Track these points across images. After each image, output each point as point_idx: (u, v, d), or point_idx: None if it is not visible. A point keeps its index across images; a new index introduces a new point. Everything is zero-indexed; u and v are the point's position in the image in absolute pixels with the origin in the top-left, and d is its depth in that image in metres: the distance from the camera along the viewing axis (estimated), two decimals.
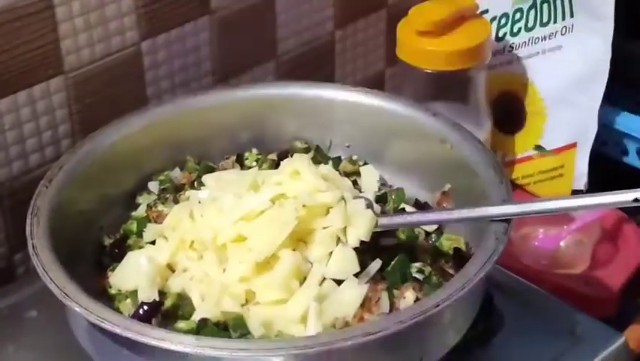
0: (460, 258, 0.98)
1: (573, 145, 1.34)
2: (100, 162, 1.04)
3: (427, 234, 1.03)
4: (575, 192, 1.36)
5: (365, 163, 1.12)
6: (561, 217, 1.31)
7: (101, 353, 0.91)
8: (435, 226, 1.03)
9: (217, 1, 1.20)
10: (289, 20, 1.28)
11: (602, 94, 1.29)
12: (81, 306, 0.86)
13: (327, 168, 1.04)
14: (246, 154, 1.13)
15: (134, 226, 1.04)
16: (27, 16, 1.05)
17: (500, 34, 1.35)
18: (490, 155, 1.01)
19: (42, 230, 0.93)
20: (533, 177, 1.38)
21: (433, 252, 1.01)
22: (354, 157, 1.12)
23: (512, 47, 1.35)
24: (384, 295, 0.93)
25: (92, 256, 1.02)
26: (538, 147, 1.37)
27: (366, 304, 0.93)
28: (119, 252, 1.01)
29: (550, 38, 1.32)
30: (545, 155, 1.36)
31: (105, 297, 0.98)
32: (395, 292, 0.94)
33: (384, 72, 1.44)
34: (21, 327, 1.03)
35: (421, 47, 1.25)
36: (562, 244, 1.30)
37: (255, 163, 1.11)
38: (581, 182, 1.35)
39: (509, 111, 1.37)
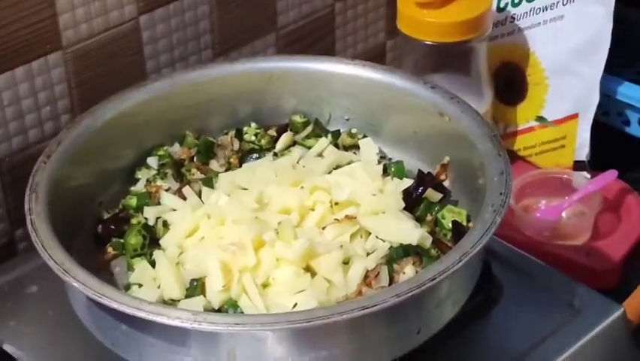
0: (458, 231, 0.98)
1: (575, 116, 1.34)
2: (98, 137, 1.04)
3: (431, 204, 1.03)
4: (577, 163, 1.35)
5: (364, 136, 1.12)
6: (563, 188, 1.31)
7: (100, 328, 0.91)
8: (439, 196, 1.03)
9: None
10: None
11: (603, 64, 1.29)
12: (79, 281, 0.86)
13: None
14: (245, 128, 1.13)
15: (133, 201, 1.04)
16: None
17: (501, 5, 1.34)
18: (488, 127, 1.01)
19: (41, 206, 0.94)
20: (535, 149, 1.38)
21: (434, 223, 1.01)
22: (353, 130, 1.12)
23: (514, 18, 1.34)
24: (384, 270, 0.93)
25: (91, 231, 1.03)
26: (540, 118, 1.36)
27: (365, 278, 0.93)
28: (115, 228, 1.01)
29: (551, 8, 1.32)
30: (547, 126, 1.36)
31: (104, 273, 0.99)
32: (395, 266, 0.94)
33: (384, 44, 1.43)
34: (22, 302, 1.04)
35: (421, 18, 1.24)
36: (563, 215, 1.30)
37: (254, 137, 1.11)
38: (583, 152, 1.35)
39: (510, 82, 1.37)
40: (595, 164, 1.35)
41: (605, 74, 1.30)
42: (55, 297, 0.99)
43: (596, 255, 1.25)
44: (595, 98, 1.31)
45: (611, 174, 1.29)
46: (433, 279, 0.84)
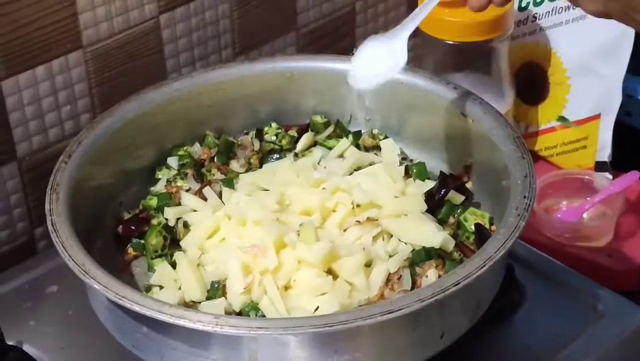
0: (481, 234, 0.97)
1: (597, 116, 1.32)
2: (119, 137, 1.03)
3: (454, 206, 1.02)
4: (599, 164, 1.34)
5: (385, 137, 1.11)
6: (585, 189, 1.30)
7: (121, 330, 0.91)
8: (462, 198, 1.02)
9: None
10: None
11: (626, 64, 1.27)
12: (100, 283, 0.86)
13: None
14: (266, 128, 1.12)
15: (153, 202, 1.04)
16: None
17: (523, 4, 1.33)
18: (511, 129, 1.00)
19: (61, 206, 0.93)
20: (557, 149, 1.36)
21: (456, 226, 1.00)
22: (375, 131, 1.11)
23: (535, 17, 1.33)
24: (407, 273, 0.92)
25: (112, 231, 1.02)
26: (562, 118, 1.35)
27: (388, 281, 0.92)
28: (135, 228, 1.01)
29: (574, 8, 1.30)
30: (568, 126, 1.35)
31: (125, 273, 0.98)
32: (417, 269, 0.93)
33: None
34: (42, 302, 1.03)
35: (443, 17, 1.23)
36: (585, 216, 1.28)
37: (274, 138, 1.11)
38: (605, 153, 1.33)
39: (532, 82, 1.35)
40: (617, 165, 1.34)
41: (627, 74, 1.29)
42: (75, 297, 0.98)
43: (619, 256, 1.23)
44: (617, 99, 1.30)
45: (633, 176, 1.28)
46: (457, 284, 0.84)
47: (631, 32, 1.26)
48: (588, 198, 1.29)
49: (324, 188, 1.01)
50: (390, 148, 1.09)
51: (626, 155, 1.34)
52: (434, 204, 1.01)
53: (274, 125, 1.12)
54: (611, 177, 1.32)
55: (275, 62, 1.12)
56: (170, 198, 1.04)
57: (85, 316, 0.96)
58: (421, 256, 0.94)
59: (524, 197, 0.91)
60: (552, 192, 1.31)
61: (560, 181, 1.31)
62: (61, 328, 1.01)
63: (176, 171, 1.07)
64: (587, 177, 1.31)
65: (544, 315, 1.00)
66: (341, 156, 1.09)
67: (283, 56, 1.22)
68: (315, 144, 1.11)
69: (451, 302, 0.87)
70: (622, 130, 1.33)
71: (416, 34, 1.26)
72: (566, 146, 1.36)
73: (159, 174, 1.07)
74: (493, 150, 0.99)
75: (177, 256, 0.97)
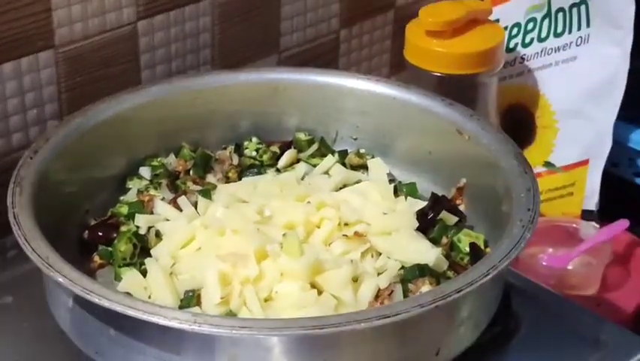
0: (476, 255, 0.90)
1: (585, 162, 1.28)
2: (89, 138, 0.96)
3: (447, 227, 0.95)
4: (586, 212, 1.29)
5: (373, 157, 1.05)
6: (570, 238, 1.25)
7: (84, 335, 0.82)
8: (455, 219, 0.96)
9: None
10: (294, 13, 1.21)
11: (617, 107, 1.23)
12: (66, 277, 0.77)
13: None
14: (246, 143, 1.05)
15: (123, 209, 0.96)
16: None
17: (511, 45, 1.29)
18: (511, 144, 0.94)
19: (25, 200, 0.86)
20: (542, 196, 1.30)
21: (449, 247, 0.93)
22: (362, 150, 1.05)
23: (524, 58, 1.29)
24: (398, 288, 0.85)
25: (76, 239, 0.94)
26: (548, 164, 1.30)
27: (377, 297, 0.85)
28: (103, 235, 0.93)
29: (564, 49, 1.27)
30: (555, 172, 1.30)
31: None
32: (410, 286, 0.86)
33: (388, 78, 1.37)
34: None
35: (430, 48, 1.18)
36: (570, 264, 1.23)
37: (254, 153, 1.04)
38: (592, 201, 1.29)
39: (518, 125, 1.30)
40: (603, 213, 1.29)
41: (617, 120, 1.24)
42: (31, 307, 0.90)
43: (607, 306, 1.19)
44: (607, 144, 1.25)
45: (622, 224, 1.23)
46: (459, 290, 0.77)
47: (623, 75, 1.22)
48: (574, 247, 1.23)
49: (308, 202, 0.94)
50: (378, 167, 1.03)
51: (613, 204, 1.29)
52: (426, 224, 0.95)
53: (255, 140, 1.05)
54: (597, 226, 1.27)
55: (259, 73, 1.06)
56: (143, 207, 0.96)
57: (42, 328, 0.88)
58: (414, 273, 0.87)
59: (528, 209, 0.86)
60: (536, 240, 1.23)
61: (545, 229, 1.26)
62: (16, 341, 0.91)
63: (148, 182, 1.00)
64: (573, 225, 1.26)
65: (540, 345, 0.93)
66: (326, 173, 1.02)
67: (267, 68, 1.15)
68: (298, 161, 1.05)
69: (451, 313, 0.80)
70: (610, 177, 1.29)
71: (403, 65, 1.22)
72: (552, 192, 1.31)
73: (130, 184, 1.00)
74: (492, 168, 0.94)
75: (148, 262, 0.89)
